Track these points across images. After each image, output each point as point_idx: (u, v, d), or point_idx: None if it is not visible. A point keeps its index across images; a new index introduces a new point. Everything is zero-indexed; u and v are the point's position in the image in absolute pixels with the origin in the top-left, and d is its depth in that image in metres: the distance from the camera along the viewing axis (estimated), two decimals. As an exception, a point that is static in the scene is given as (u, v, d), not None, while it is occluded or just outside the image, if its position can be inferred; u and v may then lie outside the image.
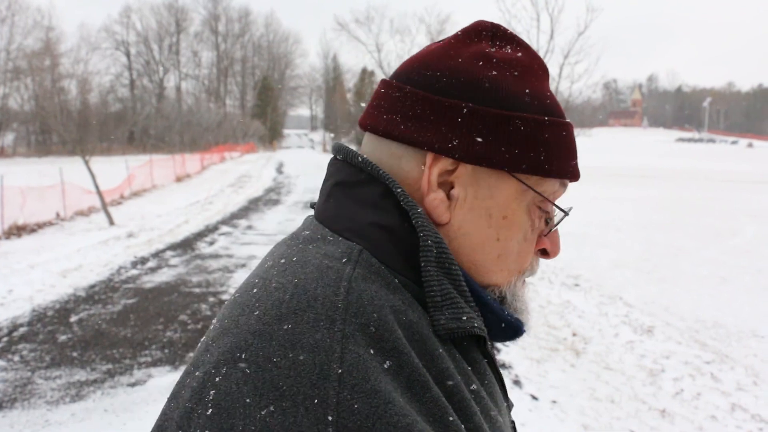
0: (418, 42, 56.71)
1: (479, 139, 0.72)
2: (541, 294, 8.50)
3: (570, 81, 14.94)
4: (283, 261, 0.68)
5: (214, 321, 0.67)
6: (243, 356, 0.57)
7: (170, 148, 55.96)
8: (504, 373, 5.45)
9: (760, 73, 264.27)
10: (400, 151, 0.75)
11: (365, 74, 76.77)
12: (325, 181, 0.80)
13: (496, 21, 0.86)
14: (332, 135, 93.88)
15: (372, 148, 0.78)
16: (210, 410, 0.54)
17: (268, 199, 20.45)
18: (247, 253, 10.68)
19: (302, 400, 0.53)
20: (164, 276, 8.91)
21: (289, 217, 15.69)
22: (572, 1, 14.68)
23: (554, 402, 4.89)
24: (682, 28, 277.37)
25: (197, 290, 8.11)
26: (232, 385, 0.55)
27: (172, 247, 11.21)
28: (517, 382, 5.26)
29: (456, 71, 0.74)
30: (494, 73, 0.75)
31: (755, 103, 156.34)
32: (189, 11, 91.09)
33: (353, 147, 0.78)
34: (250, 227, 13.84)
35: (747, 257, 12.88)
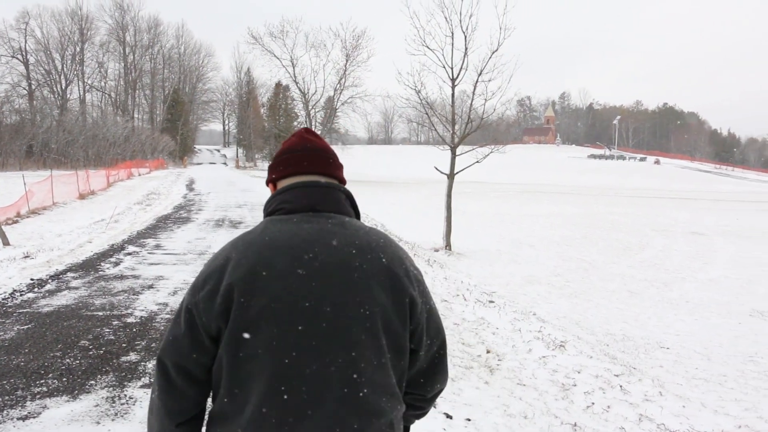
0: (333, 57, 56.77)
1: None
2: (456, 312, 8.51)
3: (484, 98, 15.11)
4: (374, 233, 1.75)
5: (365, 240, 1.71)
6: (393, 243, 1.77)
7: (73, 163, 53.81)
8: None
9: (665, 93, 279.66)
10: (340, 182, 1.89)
11: (280, 89, 76.04)
12: (328, 195, 1.79)
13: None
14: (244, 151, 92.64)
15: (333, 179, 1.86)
16: (399, 248, 1.78)
17: (178, 217, 19.87)
18: (155, 273, 10.26)
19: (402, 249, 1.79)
20: (64, 299, 8.42)
21: (200, 235, 15.24)
22: (486, 20, 14.93)
23: (468, 420, 4.85)
24: (592, 48, 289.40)
25: (100, 314, 7.69)
26: (399, 247, 1.78)
27: (74, 268, 10.66)
28: (432, 402, 5.18)
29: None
30: None
31: (661, 121, 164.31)
32: (94, 20, 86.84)
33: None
34: (158, 246, 13.36)
35: (653, 270, 13.38)
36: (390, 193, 35.82)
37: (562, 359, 6.60)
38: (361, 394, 1.60)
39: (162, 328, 7.05)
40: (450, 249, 14.91)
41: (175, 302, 8.29)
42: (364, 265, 1.65)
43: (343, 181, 1.87)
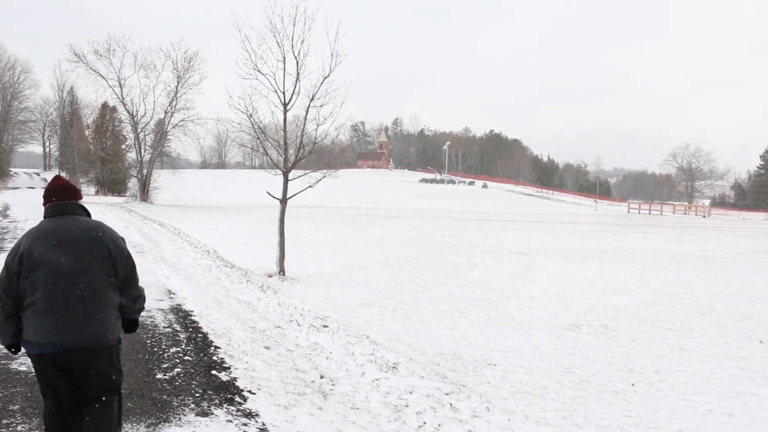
0: (163, 78, 54.66)
1: None
2: (289, 338, 8.36)
3: (316, 123, 15.11)
4: (91, 222, 3.99)
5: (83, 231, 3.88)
6: (102, 226, 4.01)
7: None
8: (250, 422, 5.19)
9: (491, 121, 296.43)
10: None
11: (106, 109, 72.10)
12: (67, 207, 3.97)
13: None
14: (66, 175, 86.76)
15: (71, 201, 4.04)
16: (107, 228, 4.03)
17: (-12, 246, 18.15)
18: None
19: (118, 234, 4.08)
20: None
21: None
22: (318, 46, 15.00)
23: (302, 449, 4.73)
24: (425, 77, 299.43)
25: None
26: (107, 227, 4.05)
27: None
28: (263, 431, 5.02)
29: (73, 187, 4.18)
30: None
31: (488, 147, 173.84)
32: None
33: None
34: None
35: (482, 290, 13.91)
36: (223, 218, 34.96)
37: (395, 381, 6.65)
38: (86, 294, 3.69)
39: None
40: (284, 274, 14.70)
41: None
42: (83, 238, 3.78)
43: (79, 198, 4.00)
